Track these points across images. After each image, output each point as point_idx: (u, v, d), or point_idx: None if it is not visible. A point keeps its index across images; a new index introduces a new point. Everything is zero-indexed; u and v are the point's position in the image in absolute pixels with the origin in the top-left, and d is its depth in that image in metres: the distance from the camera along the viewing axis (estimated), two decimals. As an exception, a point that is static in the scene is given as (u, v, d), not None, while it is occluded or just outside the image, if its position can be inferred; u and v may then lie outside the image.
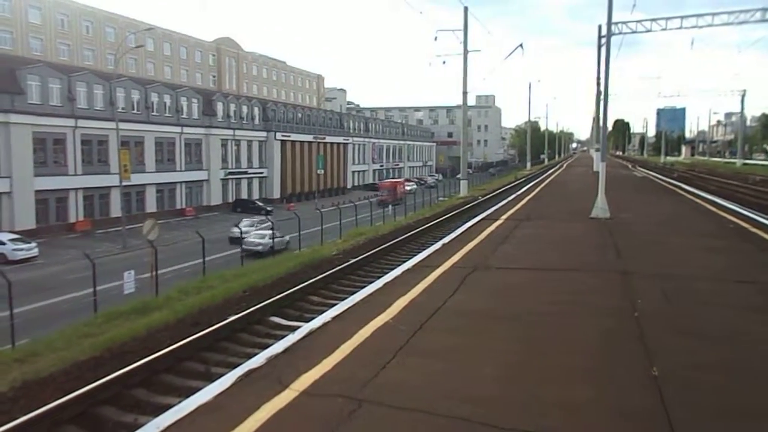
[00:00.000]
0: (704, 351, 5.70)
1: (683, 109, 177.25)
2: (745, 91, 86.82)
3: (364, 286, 9.42)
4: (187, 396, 5.08)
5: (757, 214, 17.36)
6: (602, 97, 19.65)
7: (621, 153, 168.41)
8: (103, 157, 45.60)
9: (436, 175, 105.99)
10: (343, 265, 17.13)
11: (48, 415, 7.95)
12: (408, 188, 67.58)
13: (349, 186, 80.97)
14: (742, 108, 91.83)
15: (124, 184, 39.64)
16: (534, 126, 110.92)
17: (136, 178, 44.92)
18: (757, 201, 28.52)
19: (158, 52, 78.01)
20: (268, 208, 55.05)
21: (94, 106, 45.69)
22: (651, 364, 5.27)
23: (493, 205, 22.59)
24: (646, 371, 5.11)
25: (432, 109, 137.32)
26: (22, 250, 32.79)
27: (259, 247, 31.08)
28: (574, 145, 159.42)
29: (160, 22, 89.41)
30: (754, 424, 4.23)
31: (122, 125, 41.13)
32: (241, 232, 30.26)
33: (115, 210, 43.78)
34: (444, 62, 46.55)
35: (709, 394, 4.70)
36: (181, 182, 53.71)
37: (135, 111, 49.48)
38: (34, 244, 33.81)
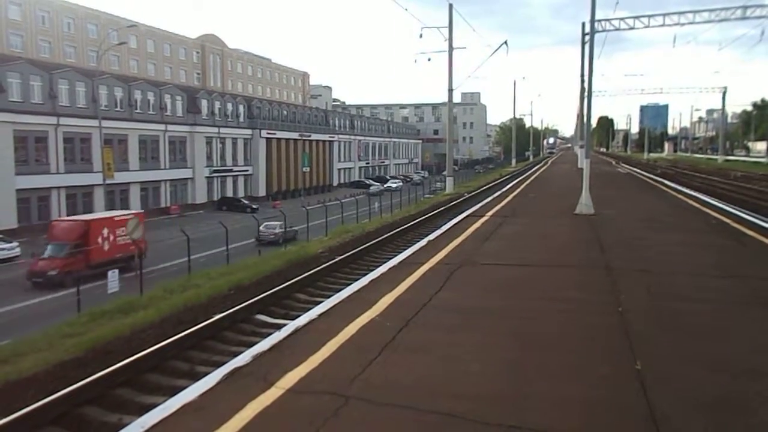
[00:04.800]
0: (687, 345, 5.76)
1: (666, 106, 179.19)
2: (726, 88, 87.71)
3: (350, 284, 9.41)
4: (172, 395, 5.05)
5: (738, 210, 17.59)
6: (586, 94, 19.80)
7: (605, 150, 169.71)
8: (86, 155, 45.03)
9: (422, 172, 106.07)
10: (329, 263, 17.10)
11: (31, 416, 7.86)
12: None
13: (335, 183, 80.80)
14: (723, 105, 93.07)
15: (107, 182, 39.23)
16: (519, 123, 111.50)
17: (120, 177, 44.48)
18: (738, 197, 28.90)
19: (141, 49, 77.23)
20: (254, 206, 54.77)
21: (77, 103, 45.14)
22: (635, 358, 5.32)
23: (479, 202, 22.66)
24: (630, 366, 5.16)
25: (417, 106, 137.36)
26: (3, 249, 32.33)
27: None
28: (551, 140, 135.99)
29: (143, 19, 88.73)
30: (736, 417, 4.28)
31: (105, 123, 40.68)
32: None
33: (99, 209, 43.18)
34: (429, 59, 46.68)
35: (691, 388, 4.74)
36: (165, 180, 53.24)
37: (118, 109, 48.96)
38: (15, 244, 33.34)
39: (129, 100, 50.10)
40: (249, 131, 64.20)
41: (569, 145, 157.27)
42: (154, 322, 12.30)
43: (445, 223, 16.23)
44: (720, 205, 19.06)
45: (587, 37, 26.91)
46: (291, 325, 6.50)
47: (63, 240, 27.25)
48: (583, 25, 40.30)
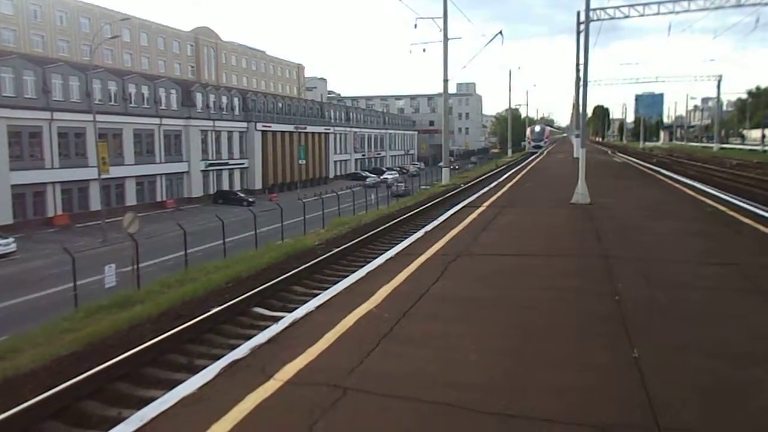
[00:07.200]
0: (684, 332, 5.78)
1: (661, 95, 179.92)
2: (721, 76, 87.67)
3: (347, 275, 9.41)
4: (171, 388, 5.05)
5: (734, 198, 17.64)
6: (581, 83, 19.78)
7: (600, 139, 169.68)
8: (80, 149, 44.87)
9: (418, 163, 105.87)
10: (326, 255, 17.10)
11: (29, 411, 7.86)
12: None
13: (331, 176, 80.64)
14: (718, 93, 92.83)
15: (102, 177, 39.03)
16: (514, 113, 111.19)
17: (115, 171, 44.27)
18: (734, 185, 28.97)
19: (135, 43, 76.81)
20: (250, 199, 54.69)
21: (70, 98, 44.93)
22: (632, 346, 5.34)
23: (475, 193, 22.67)
24: (627, 353, 5.18)
25: (413, 97, 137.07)
26: (-1, 246, 32.28)
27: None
28: (538, 128, 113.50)
29: (136, 12, 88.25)
30: (734, 403, 4.31)
31: (100, 117, 40.50)
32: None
33: (95, 203, 43.18)
34: (424, 50, 46.66)
35: (689, 375, 4.77)
36: (160, 174, 53.09)
37: (112, 103, 48.73)
38: (11, 240, 33.25)
39: (123, 94, 49.86)
40: (244, 124, 64.00)
41: (565, 134, 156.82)
42: (152, 316, 12.29)
43: (441, 214, 16.21)
44: (716, 193, 19.10)
45: (582, 26, 26.88)
46: (288, 318, 6.50)
47: None
48: (578, 14, 40.34)
